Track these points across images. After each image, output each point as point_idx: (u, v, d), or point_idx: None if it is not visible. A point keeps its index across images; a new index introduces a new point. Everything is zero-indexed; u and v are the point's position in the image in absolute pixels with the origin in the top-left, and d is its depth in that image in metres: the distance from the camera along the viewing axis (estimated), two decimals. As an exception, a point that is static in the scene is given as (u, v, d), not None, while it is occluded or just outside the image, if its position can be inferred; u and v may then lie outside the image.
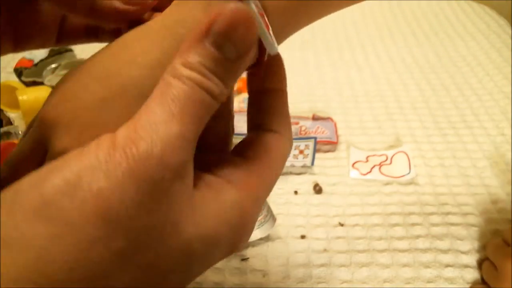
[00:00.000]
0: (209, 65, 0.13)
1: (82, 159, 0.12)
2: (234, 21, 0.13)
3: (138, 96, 0.15)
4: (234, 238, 0.15)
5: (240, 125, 0.63)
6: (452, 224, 0.47)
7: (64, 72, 0.62)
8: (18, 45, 0.20)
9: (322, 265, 0.44)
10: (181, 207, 0.13)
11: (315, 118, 0.61)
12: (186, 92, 0.13)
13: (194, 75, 0.13)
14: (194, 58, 0.13)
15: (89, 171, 0.12)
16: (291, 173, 0.54)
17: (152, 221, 0.12)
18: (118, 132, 0.13)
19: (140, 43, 0.17)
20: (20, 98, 0.53)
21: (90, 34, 0.23)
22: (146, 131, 0.12)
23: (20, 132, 0.52)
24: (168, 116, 0.13)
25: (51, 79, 0.62)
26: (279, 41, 0.18)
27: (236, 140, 0.55)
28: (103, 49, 0.18)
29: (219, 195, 0.15)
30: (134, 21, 0.19)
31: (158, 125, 0.12)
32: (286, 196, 0.51)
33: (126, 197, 0.12)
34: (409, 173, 0.53)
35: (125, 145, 0.12)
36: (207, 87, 0.13)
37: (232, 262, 0.44)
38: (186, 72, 0.13)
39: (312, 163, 0.54)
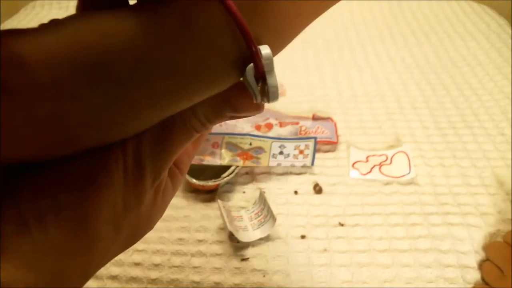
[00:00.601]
0: (212, 119, 0.18)
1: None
2: (248, 111, 0.18)
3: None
4: None
5: (240, 125, 0.63)
6: (452, 224, 0.47)
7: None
8: None
9: (322, 265, 0.44)
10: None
11: (315, 118, 0.61)
12: (186, 135, 0.18)
13: (196, 123, 0.17)
14: (201, 111, 0.17)
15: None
16: (291, 173, 0.54)
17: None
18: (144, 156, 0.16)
19: None
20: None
21: None
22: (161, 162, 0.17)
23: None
24: (173, 157, 0.18)
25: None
26: (284, 44, 0.18)
27: (234, 140, 0.55)
28: None
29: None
30: None
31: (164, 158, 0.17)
32: (286, 196, 0.51)
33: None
34: (409, 173, 0.53)
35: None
36: (202, 131, 0.18)
37: (232, 262, 0.44)
38: (193, 121, 0.17)
39: (312, 163, 0.54)
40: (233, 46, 0.14)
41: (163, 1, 0.14)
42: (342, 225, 0.48)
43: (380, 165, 0.55)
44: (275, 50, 0.17)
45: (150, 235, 0.47)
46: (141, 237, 0.19)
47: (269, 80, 0.15)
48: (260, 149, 0.51)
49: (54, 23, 0.13)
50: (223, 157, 0.50)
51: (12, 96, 0.12)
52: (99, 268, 0.17)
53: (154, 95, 0.14)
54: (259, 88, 0.16)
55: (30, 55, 0.12)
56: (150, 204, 0.18)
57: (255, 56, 0.14)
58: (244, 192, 0.52)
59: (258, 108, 0.18)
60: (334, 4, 0.18)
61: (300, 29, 0.17)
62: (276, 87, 0.15)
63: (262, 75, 0.15)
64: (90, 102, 0.13)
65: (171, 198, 0.20)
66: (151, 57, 0.14)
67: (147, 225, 0.19)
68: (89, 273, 0.16)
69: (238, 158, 0.51)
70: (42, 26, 0.13)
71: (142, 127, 0.16)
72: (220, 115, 0.18)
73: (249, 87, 0.16)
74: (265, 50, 0.14)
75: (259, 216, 0.47)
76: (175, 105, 0.15)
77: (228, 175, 0.50)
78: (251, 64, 0.15)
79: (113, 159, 0.16)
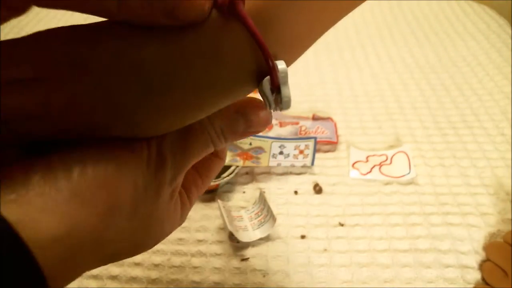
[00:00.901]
0: (227, 134, 0.20)
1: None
2: (264, 124, 0.20)
3: None
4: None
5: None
6: (452, 224, 0.47)
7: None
8: None
9: (322, 265, 0.44)
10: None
11: (315, 118, 0.61)
12: (203, 143, 0.19)
13: (213, 133, 0.19)
14: (218, 123, 0.19)
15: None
16: (291, 173, 0.54)
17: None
18: (165, 146, 0.18)
19: None
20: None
21: None
22: (179, 162, 0.19)
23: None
24: (190, 161, 0.19)
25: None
26: (298, 54, 0.20)
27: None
28: None
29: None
30: None
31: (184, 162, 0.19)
32: (286, 196, 0.51)
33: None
34: (409, 173, 0.53)
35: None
36: (217, 145, 0.20)
37: (232, 262, 0.44)
38: (210, 129, 0.19)
39: (312, 163, 0.54)
40: (253, 62, 0.16)
41: (190, 25, 0.15)
42: (342, 225, 0.48)
43: (380, 165, 0.55)
44: (289, 62, 0.19)
45: (150, 235, 0.47)
46: (148, 244, 0.20)
47: (283, 91, 0.17)
48: (260, 149, 0.51)
49: (98, 35, 0.15)
50: (223, 157, 0.50)
51: (63, 91, 0.14)
52: (110, 248, 0.17)
53: (176, 103, 0.16)
54: (273, 97, 0.17)
55: (85, 61, 0.14)
56: (166, 203, 0.19)
57: (272, 71, 0.16)
58: (244, 192, 0.52)
59: (267, 121, 0.20)
60: (341, 18, 0.20)
61: (311, 43, 0.20)
62: (289, 97, 0.17)
63: (277, 87, 0.17)
64: (122, 100, 0.15)
65: (179, 221, 0.22)
66: (175, 70, 0.15)
67: (159, 229, 0.20)
68: (100, 244, 0.16)
69: (238, 158, 0.51)
70: (94, 38, 0.15)
71: (163, 131, 0.17)
72: (234, 129, 0.20)
73: (264, 97, 0.18)
74: (281, 65, 0.16)
75: (259, 216, 0.47)
76: (195, 113, 0.17)
77: (228, 175, 0.50)
78: (267, 77, 0.17)
79: (138, 144, 0.17)
